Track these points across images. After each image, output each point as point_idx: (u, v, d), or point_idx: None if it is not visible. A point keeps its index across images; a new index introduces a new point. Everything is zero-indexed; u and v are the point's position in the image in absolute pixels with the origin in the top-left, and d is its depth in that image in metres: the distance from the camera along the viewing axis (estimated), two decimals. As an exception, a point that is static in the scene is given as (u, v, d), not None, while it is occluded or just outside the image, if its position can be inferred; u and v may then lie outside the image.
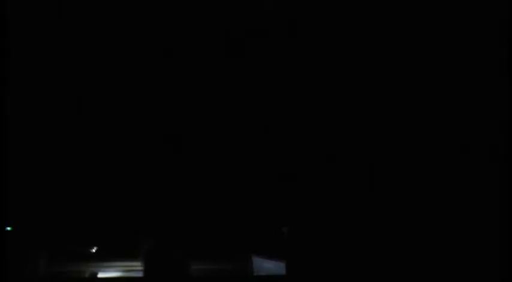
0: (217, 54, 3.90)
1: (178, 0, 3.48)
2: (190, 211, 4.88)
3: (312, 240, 4.33)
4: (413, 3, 3.78)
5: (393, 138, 4.12)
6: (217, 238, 4.79)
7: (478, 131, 3.75)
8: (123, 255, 4.78)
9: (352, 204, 4.30)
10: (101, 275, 4.71)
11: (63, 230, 4.77)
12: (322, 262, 4.16)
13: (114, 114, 4.27)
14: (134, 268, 4.63)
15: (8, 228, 4.23)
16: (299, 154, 4.56)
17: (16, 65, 3.57)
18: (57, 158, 4.61)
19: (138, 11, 3.47)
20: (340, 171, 4.38)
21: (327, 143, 4.45)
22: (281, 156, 4.65)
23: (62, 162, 4.66)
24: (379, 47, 3.90)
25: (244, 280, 4.48)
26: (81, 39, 3.64)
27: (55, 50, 3.66)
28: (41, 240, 4.42)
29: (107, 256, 4.82)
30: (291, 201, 4.63)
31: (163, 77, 4.01)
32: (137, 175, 4.86)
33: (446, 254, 3.85)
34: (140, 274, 4.49)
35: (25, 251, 4.05)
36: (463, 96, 3.86)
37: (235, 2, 3.69)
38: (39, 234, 4.40)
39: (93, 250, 4.90)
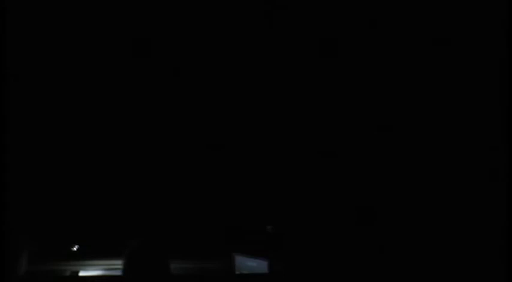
0: (215, 53, 3.90)
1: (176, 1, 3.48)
2: (172, 209, 4.87)
3: (297, 239, 4.36)
4: (412, 3, 3.79)
5: (381, 134, 4.14)
6: (200, 237, 4.79)
7: (478, 131, 3.76)
8: (104, 253, 4.75)
9: (337, 203, 4.33)
10: (82, 273, 4.67)
11: (43, 228, 4.73)
12: (306, 261, 4.19)
13: (103, 112, 4.24)
14: (116, 266, 4.60)
15: None
16: (283, 152, 4.58)
17: (16, 65, 3.53)
18: (37, 154, 4.56)
19: (138, 11, 3.46)
20: (326, 169, 4.41)
21: (311, 140, 4.48)
22: (264, 153, 4.66)
23: (41, 158, 4.61)
24: (378, 47, 3.91)
25: (227, 278, 4.48)
26: (81, 40, 3.61)
27: (55, 50, 3.62)
28: (21, 239, 4.36)
29: (88, 254, 4.79)
30: (275, 200, 4.65)
31: (158, 76, 4.00)
32: (119, 173, 4.83)
33: (440, 255, 3.87)
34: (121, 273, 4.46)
35: (6, 250, 3.99)
36: (462, 96, 3.86)
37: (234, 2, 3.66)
38: (19, 232, 4.34)
39: (75, 248, 4.86)
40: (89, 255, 4.79)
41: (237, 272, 4.58)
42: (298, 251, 4.35)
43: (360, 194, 4.31)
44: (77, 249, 4.87)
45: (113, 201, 4.82)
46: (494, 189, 3.65)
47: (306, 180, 4.56)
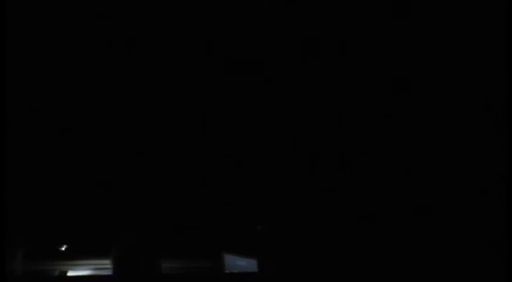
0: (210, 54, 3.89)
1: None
2: (162, 209, 4.86)
3: (286, 238, 4.39)
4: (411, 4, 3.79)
5: (370, 132, 4.15)
6: (190, 236, 4.80)
7: (476, 133, 3.78)
8: (93, 253, 4.73)
9: (327, 202, 4.35)
10: (70, 273, 4.65)
11: (32, 228, 4.69)
12: (296, 260, 4.22)
13: (88, 114, 4.21)
14: (105, 266, 4.58)
15: None
16: (273, 152, 4.60)
17: (15, 65, 3.49)
18: (24, 154, 4.52)
19: (136, 12, 3.44)
20: (315, 168, 4.43)
21: (299, 140, 4.50)
22: (254, 153, 4.68)
23: (28, 158, 4.57)
24: (374, 47, 3.92)
25: (217, 277, 4.49)
26: (80, 41, 3.58)
27: (54, 50, 3.60)
28: (16, 239, 4.33)
29: (77, 254, 4.77)
30: (264, 199, 4.67)
31: (148, 76, 3.98)
32: (107, 173, 4.81)
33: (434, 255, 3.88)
34: (110, 272, 4.45)
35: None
36: (461, 97, 3.87)
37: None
38: (12, 232, 4.30)
39: (63, 248, 4.84)
40: (77, 255, 4.77)
41: (227, 271, 4.59)
42: (288, 250, 4.37)
43: (350, 193, 4.34)
44: (66, 249, 4.85)
45: (101, 201, 4.80)
46: (494, 189, 3.67)
47: (296, 179, 4.58)
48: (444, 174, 3.92)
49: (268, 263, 4.26)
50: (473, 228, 3.73)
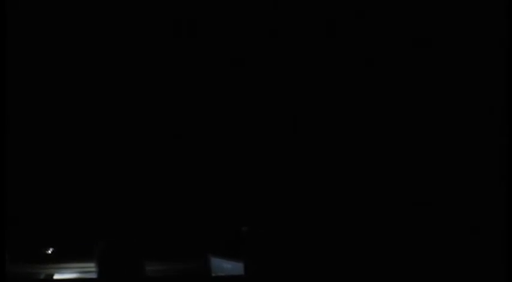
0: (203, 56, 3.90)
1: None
2: (148, 211, 4.86)
3: (272, 241, 4.38)
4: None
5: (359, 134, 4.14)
6: (176, 238, 4.79)
7: (476, 132, 3.77)
8: (79, 256, 4.72)
9: (313, 204, 4.35)
10: (56, 276, 4.64)
11: (18, 230, 4.68)
12: (282, 262, 4.21)
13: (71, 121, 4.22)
14: (90, 269, 4.57)
15: None
16: (258, 154, 4.60)
17: (15, 65, 3.50)
18: (10, 157, 4.52)
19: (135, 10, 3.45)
20: (301, 169, 4.43)
21: (285, 141, 4.50)
22: (240, 155, 4.68)
23: (15, 161, 4.57)
24: (372, 48, 3.92)
25: (203, 280, 4.49)
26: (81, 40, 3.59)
27: (55, 50, 3.60)
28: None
29: (63, 257, 4.76)
30: (250, 201, 4.67)
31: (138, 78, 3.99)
32: (93, 176, 4.81)
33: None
34: (96, 275, 4.44)
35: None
36: (461, 97, 3.87)
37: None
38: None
39: (49, 251, 4.82)
40: (63, 258, 4.75)
41: (213, 274, 4.58)
42: (274, 252, 4.37)
43: (336, 194, 4.34)
44: (52, 252, 4.83)
45: (87, 204, 4.80)
46: (494, 189, 3.66)
47: (281, 181, 4.59)
48: (444, 174, 3.91)
49: (252, 265, 4.25)
50: (473, 227, 3.72)
